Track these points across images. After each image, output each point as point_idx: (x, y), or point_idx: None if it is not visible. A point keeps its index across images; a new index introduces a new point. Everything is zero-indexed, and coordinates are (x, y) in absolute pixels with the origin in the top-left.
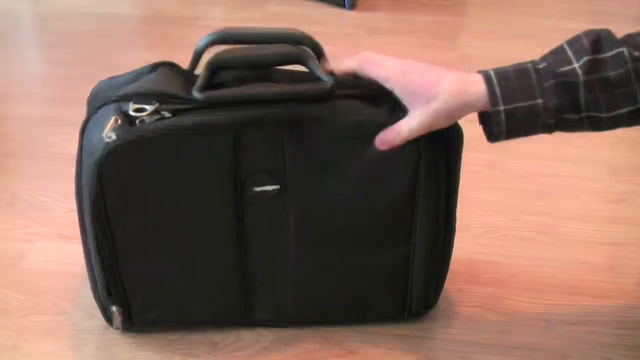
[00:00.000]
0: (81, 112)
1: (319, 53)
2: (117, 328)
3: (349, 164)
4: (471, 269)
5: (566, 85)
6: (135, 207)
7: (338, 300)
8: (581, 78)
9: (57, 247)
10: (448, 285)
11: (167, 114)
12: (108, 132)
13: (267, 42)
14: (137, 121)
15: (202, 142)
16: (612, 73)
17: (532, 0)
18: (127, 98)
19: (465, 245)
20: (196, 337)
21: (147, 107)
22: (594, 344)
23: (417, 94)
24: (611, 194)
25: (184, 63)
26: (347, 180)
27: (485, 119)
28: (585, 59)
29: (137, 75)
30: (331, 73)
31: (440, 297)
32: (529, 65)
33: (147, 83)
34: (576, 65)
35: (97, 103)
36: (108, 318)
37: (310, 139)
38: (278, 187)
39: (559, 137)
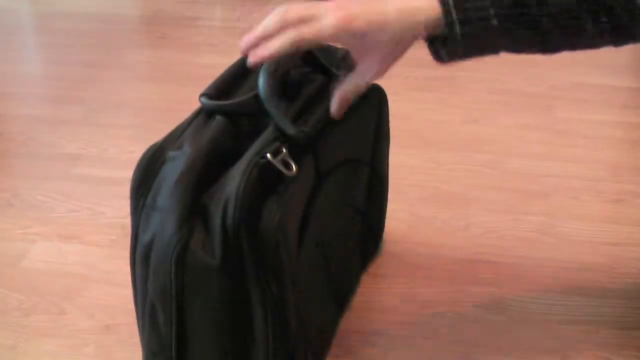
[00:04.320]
0: (81, 112)
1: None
2: None
3: None
4: (471, 269)
5: None
6: None
7: None
8: None
9: (57, 247)
10: (448, 285)
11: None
12: None
13: None
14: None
15: None
16: None
17: None
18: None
19: (465, 245)
20: None
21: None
22: (594, 344)
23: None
24: (611, 194)
25: (184, 63)
26: None
27: (435, 38)
28: None
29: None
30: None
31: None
32: None
33: None
34: None
35: None
36: None
37: None
38: None
39: (559, 137)
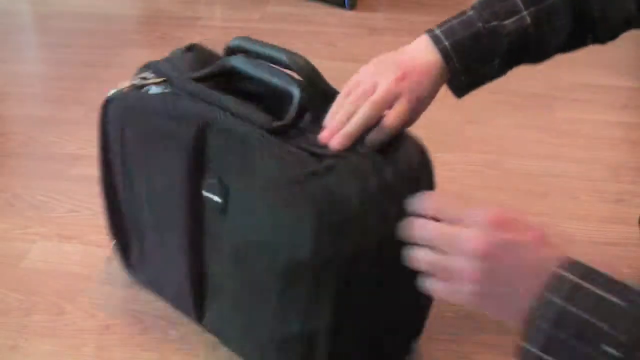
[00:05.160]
0: (81, 112)
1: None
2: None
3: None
4: None
5: (518, 38)
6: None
7: None
8: (531, 29)
9: (57, 247)
10: None
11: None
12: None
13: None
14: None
15: (170, 124)
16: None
17: None
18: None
19: None
20: (196, 337)
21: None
22: None
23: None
24: (611, 194)
25: None
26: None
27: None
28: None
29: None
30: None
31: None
32: (479, 25)
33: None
34: (525, 13)
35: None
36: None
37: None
38: (221, 202)
39: (559, 137)
